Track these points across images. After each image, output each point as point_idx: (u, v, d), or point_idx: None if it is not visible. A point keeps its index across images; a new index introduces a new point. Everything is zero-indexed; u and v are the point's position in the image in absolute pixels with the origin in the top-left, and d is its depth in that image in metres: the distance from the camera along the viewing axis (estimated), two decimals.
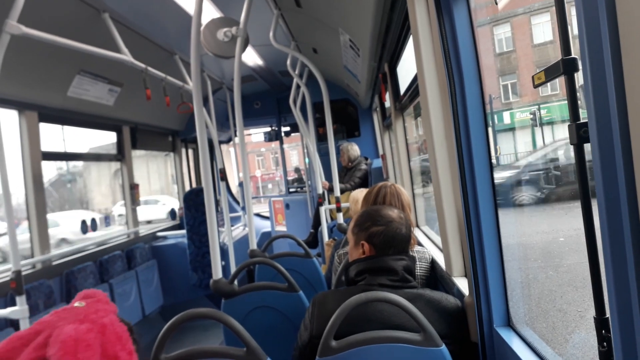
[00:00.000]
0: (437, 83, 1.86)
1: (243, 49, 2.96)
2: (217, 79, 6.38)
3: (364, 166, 6.38)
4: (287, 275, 2.32)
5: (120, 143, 5.58)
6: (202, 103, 2.50)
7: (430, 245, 2.93)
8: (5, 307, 3.09)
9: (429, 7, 1.77)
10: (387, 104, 5.10)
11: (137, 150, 6.02)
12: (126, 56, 3.69)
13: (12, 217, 2.88)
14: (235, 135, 7.02)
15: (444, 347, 1.41)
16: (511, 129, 6.80)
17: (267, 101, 8.09)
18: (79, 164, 12.88)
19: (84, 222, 4.94)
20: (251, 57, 5.78)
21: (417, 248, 2.31)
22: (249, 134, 9.90)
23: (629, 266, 0.75)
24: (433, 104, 1.91)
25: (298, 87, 5.26)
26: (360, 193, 3.46)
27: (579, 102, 0.95)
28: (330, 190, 5.33)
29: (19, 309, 2.85)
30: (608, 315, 0.90)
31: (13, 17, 2.70)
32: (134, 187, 5.67)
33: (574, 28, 0.89)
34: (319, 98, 4.46)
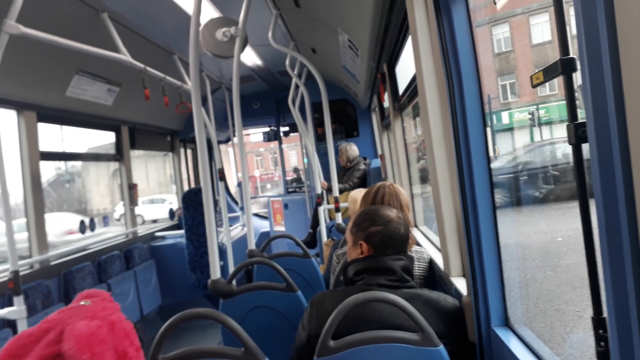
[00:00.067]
0: (435, 83, 1.86)
1: (242, 48, 2.96)
2: (216, 79, 6.38)
3: (362, 166, 6.39)
4: (285, 275, 2.32)
5: (118, 143, 5.58)
6: (200, 103, 2.50)
7: (428, 245, 2.93)
8: (2, 307, 3.08)
9: (428, 8, 1.77)
10: (386, 104, 5.10)
11: (135, 150, 6.01)
12: (125, 56, 3.69)
13: (10, 217, 2.87)
14: (234, 135, 7.02)
15: (442, 347, 1.41)
16: (510, 129, 6.81)
17: (266, 101, 8.08)
18: (78, 164, 12.87)
19: (82, 223, 4.93)
20: (250, 57, 5.78)
21: (415, 248, 2.31)
22: (248, 134, 9.89)
23: (627, 266, 0.75)
24: (432, 104, 1.91)
25: (297, 87, 5.26)
26: (358, 193, 3.46)
27: (577, 102, 0.95)
28: (329, 190, 5.33)
29: (16, 309, 2.85)
30: (605, 314, 0.90)
31: (12, 16, 2.70)
32: (132, 187, 5.66)
33: (572, 28, 0.89)
34: (317, 98, 4.46)
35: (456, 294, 1.85)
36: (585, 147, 0.92)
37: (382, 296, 1.47)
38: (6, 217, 2.85)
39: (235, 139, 4.93)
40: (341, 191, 5.41)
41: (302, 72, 5.33)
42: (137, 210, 5.83)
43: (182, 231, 5.99)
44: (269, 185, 31.83)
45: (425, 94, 1.93)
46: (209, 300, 5.88)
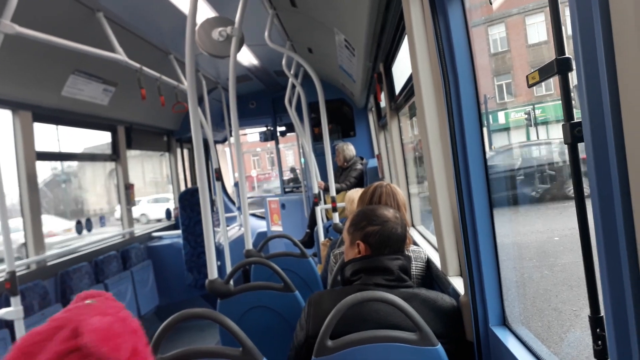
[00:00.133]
0: (432, 83, 1.86)
1: (238, 48, 2.96)
2: (212, 79, 6.37)
3: (359, 166, 6.39)
4: (283, 275, 2.32)
5: (115, 143, 5.56)
6: (197, 103, 2.49)
7: (425, 245, 2.93)
8: (0, 308, 3.07)
9: (424, 7, 1.77)
10: (383, 103, 5.10)
11: (132, 150, 6.00)
12: (121, 56, 3.68)
13: (6, 217, 2.86)
14: (231, 135, 7.01)
15: (439, 346, 1.41)
16: (506, 128, 6.83)
17: (262, 101, 8.07)
18: (74, 164, 12.82)
19: (79, 223, 4.92)
20: (246, 57, 5.78)
21: (412, 247, 2.31)
22: (245, 134, 9.88)
23: (623, 265, 0.75)
24: (428, 104, 1.91)
25: (293, 87, 5.26)
26: (355, 193, 3.47)
27: (573, 101, 0.95)
28: (326, 190, 5.33)
29: (13, 310, 2.84)
30: (603, 313, 0.90)
31: (6, 16, 2.69)
32: (129, 187, 5.65)
33: (567, 28, 0.90)
34: (314, 98, 4.46)
35: (453, 293, 1.86)
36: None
37: (379, 296, 1.47)
38: (2, 217, 2.84)
39: (232, 139, 4.92)
40: (338, 191, 5.41)
41: (298, 72, 5.33)
42: (142, 209, 5.84)
43: (179, 231, 5.98)
44: (265, 185, 31.80)
45: (421, 93, 1.93)
46: (207, 300, 5.87)
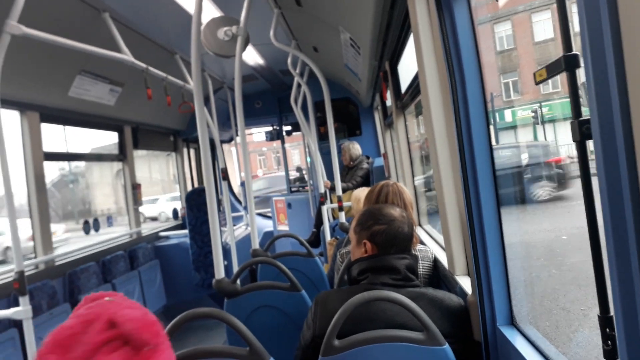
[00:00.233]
0: (438, 81, 1.86)
1: (244, 48, 2.96)
2: (218, 79, 6.38)
3: (365, 165, 6.38)
4: (289, 274, 2.32)
5: (121, 143, 5.59)
6: (203, 102, 2.49)
7: (432, 244, 2.92)
8: (8, 307, 3.09)
9: (429, 5, 1.76)
10: (389, 102, 5.09)
11: (139, 150, 6.02)
12: (127, 56, 3.69)
13: (15, 217, 2.88)
14: (237, 135, 7.02)
15: (447, 346, 1.41)
16: (513, 127, 6.79)
17: (268, 100, 8.08)
18: (81, 164, 12.89)
19: (86, 222, 4.95)
20: (252, 56, 5.78)
21: (419, 247, 2.30)
22: (251, 134, 9.90)
23: (633, 264, 0.74)
24: (434, 102, 1.90)
25: (299, 86, 5.25)
26: (362, 192, 3.46)
27: (580, 99, 0.94)
28: (332, 189, 5.33)
29: (22, 310, 2.85)
30: (612, 313, 0.89)
31: (13, 17, 2.70)
32: (136, 187, 5.67)
33: (575, 24, 0.89)
34: (320, 97, 4.45)
35: (461, 292, 1.85)
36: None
37: (386, 295, 1.46)
38: (10, 217, 2.85)
39: (238, 139, 4.93)
40: (344, 190, 5.41)
41: (304, 71, 5.32)
42: (161, 207, 5.86)
43: (185, 231, 5.99)
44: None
45: (427, 91, 1.92)
46: (214, 299, 5.89)
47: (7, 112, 3.77)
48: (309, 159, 7.76)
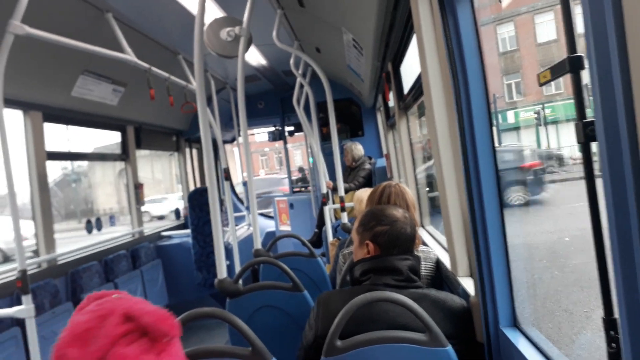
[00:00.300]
0: (441, 82, 1.85)
1: (246, 48, 2.96)
2: (220, 79, 6.39)
3: (367, 166, 6.38)
4: (291, 274, 2.32)
5: (124, 143, 5.59)
6: (205, 103, 2.50)
7: (435, 245, 2.92)
8: (11, 306, 3.10)
9: (433, 6, 1.76)
10: (391, 103, 5.08)
11: (141, 150, 6.03)
12: (130, 56, 3.69)
13: (18, 216, 2.89)
14: (239, 135, 7.02)
15: (449, 347, 1.40)
16: (515, 128, 6.79)
17: (270, 101, 8.08)
18: (84, 163, 12.93)
19: (89, 222, 4.96)
20: (254, 57, 5.78)
21: (421, 248, 2.30)
22: (253, 134, 9.90)
23: (637, 266, 0.74)
24: (437, 103, 1.90)
25: (301, 86, 5.26)
26: (364, 192, 3.46)
27: (585, 100, 0.94)
28: (334, 189, 5.33)
29: (24, 308, 2.86)
30: (617, 315, 0.89)
31: (17, 17, 2.71)
32: (138, 187, 5.68)
33: (579, 25, 0.89)
34: (322, 97, 4.45)
35: (463, 294, 1.84)
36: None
37: (389, 296, 1.46)
38: (13, 216, 2.86)
39: (241, 139, 4.93)
40: (346, 191, 5.40)
41: (306, 72, 5.32)
42: (173, 205, 5.86)
43: (188, 231, 6.00)
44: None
45: (430, 92, 1.92)
46: (216, 299, 5.89)
47: (10, 111, 3.78)
48: (311, 160, 7.76)
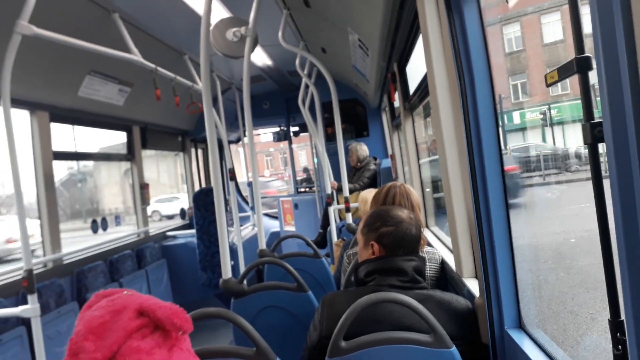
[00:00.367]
0: (447, 82, 1.85)
1: (252, 48, 2.96)
2: (226, 79, 6.40)
3: (372, 166, 6.37)
4: (296, 275, 2.32)
5: (130, 143, 5.62)
6: (211, 103, 2.50)
7: (440, 246, 2.91)
8: (17, 305, 3.11)
9: (439, 6, 1.76)
10: (396, 103, 5.08)
11: (147, 150, 6.05)
12: (136, 56, 3.71)
13: (24, 216, 2.90)
14: (245, 135, 7.03)
15: (454, 348, 1.40)
16: (521, 128, 6.76)
17: (276, 101, 8.09)
18: (90, 163, 12.98)
19: (94, 222, 4.98)
20: (260, 57, 5.79)
21: (426, 249, 2.30)
22: (258, 134, 9.91)
23: None
24: (443, 104, 1.90)
25: (307, 87, 5.26)
26: (369, 193, 3.45)
27: (593, 101, 0.93)
28: (339, 190, 5.32)
29: (30, 308, 2.87)
30: (623, 317, 0.88)
31: (24, 17, 2.73)
32: (144, 187, 5.70)
33: (587, 26, 0.88)
34: (327, 98, 4.45)
35: (468, 295, 1.84)
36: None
37: (393, 297, 1.46)
38: (20, 216, 2.88)
39: (246, 139, 4.94)
40: (351, 191, 5.40)
41: (312, 72, 5.32)
42: (181, 204, 5.85)
43: (193, 231, 6.01)
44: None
45: (436, 93, 1.92)
46: (220, 299, 5.90)
47: (18, 111, 3.80)
48: (316, 160, 7.76)
